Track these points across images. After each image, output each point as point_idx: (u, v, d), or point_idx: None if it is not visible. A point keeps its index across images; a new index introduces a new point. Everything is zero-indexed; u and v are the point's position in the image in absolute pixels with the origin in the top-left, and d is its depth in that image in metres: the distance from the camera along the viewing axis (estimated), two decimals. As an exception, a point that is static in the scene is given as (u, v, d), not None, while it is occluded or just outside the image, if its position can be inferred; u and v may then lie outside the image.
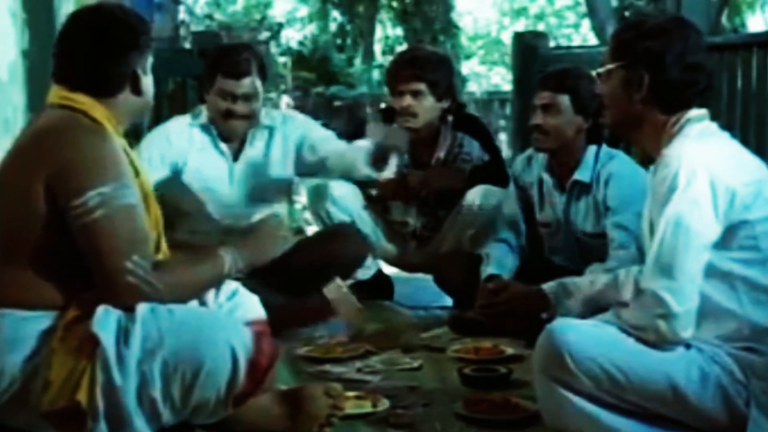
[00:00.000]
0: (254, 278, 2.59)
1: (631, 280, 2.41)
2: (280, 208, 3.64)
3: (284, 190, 3.70)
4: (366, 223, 3.89)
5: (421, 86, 3.70)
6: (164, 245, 2.24)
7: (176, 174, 3.48)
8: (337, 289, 3.36)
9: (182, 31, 10.62)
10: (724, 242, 2.08)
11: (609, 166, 3.28)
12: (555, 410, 2.15)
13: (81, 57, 2.15)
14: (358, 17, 15.62)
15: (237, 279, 2.37)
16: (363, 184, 3.83)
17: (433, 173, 3.79)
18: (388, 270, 4.16)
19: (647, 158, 2.35)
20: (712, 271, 2.08)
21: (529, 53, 5.13)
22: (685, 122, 2.19)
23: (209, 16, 14.27)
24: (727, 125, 3.97)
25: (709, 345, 2.11)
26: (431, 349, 3.19)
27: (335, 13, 15.72)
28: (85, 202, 2.00)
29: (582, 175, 3.31)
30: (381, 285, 3.98)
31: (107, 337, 1.97)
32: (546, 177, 3.43)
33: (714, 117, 2.29)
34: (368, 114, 10.73)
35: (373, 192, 3.89)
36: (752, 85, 4.35)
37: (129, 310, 2.02)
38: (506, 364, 2.90)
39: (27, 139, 2.14)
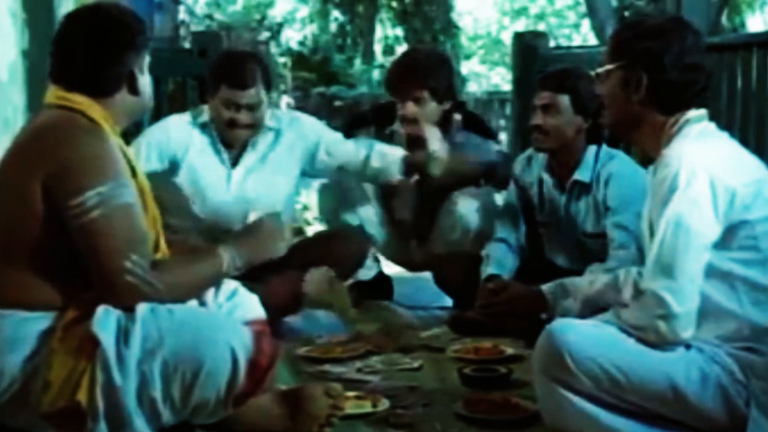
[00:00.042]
0: (250, 279, 2.59)
1: (631, 281, 2.42)
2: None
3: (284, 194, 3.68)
4: (372, 223, 3.88)
5: (423, 93, 3.69)
6: (163, 244, 2.24)
7: (167, 170, 3.45)
8: (320, 275, 3.35)
9: (182, 31, 10.63)
10: (724, 242, 2.09)
11: (609, 166, 3.28)
12: (555, 410, 2.15)
13: (78, 57, 2.15)
14: (358, 17, 15.64)
15: (235, 278, 2.37)
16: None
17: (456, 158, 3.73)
18: (389, 270, 4.16)
19: (647, 158, 2.35)
20: (712, 272, 2.09)
21: (529, 53, 5.13)
22: (685, 122, 2.19)
23: (209, 16, 14.27)
24: (727, 125, 3.98)
25: (709, 345, 2.11)
26: (431, 349, 3.19)
27: (335, 13, 15.73)
28: (83, 201, 2.00)
29: (582, 175, 3.31)
30: (381, 285, 3.98)
31: (107, 338, 1.97)
32: (546, 177, 3.43)
33: (714, 117, 2.29)
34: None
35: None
36: (752, 85, 4.35)
37: (129, 310, 2.02)
38: (506, 364, 2.90)
39: (25, 139, 2.14)
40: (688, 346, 2.10)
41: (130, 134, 4.21)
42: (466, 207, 3.70)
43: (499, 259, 3.44)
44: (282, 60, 13.32)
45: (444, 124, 3.76)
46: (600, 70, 2.31)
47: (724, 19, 12.81)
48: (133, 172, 2.15)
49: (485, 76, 20.15)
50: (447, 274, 3.82)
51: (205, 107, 3.53)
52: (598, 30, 11.61)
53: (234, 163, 3.51)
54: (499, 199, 3.73)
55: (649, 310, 2.08)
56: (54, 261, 2.06)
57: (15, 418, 2.04)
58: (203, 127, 3.49)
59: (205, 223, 3.47)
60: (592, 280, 2.60)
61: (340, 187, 3.81)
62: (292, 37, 15.64)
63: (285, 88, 12.31)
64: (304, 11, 16.66)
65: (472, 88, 16.45)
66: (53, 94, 2.16)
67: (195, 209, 3.47)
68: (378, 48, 16.13)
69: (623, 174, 3.24)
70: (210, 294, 2.28)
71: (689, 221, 2.05)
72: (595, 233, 3.31)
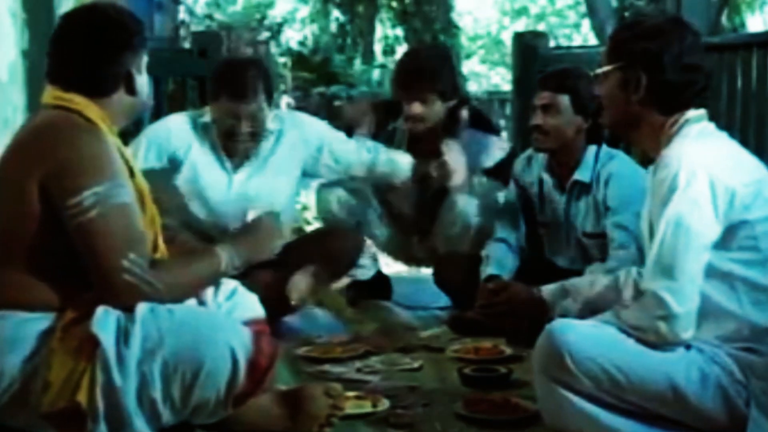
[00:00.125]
0: (248, 277, 2.59)
1: (631, 281, 2.41)
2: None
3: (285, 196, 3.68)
4: (372, 221, 3.88)
5: (429, 94, 3.70)
6: (162, 244, 2.24)
7: (166, 168, 3.43)
8: (303, 279, 3.36)
9: (182, 31, 10.61)
10: (723, 242, 2.09)
11: (609, 166, 3.28)
12: (555, 410, 2.15)
13: (75, 57, 2.15)
14: (358, 17, 15.63)
15: (234, 277, 2.37)
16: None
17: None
18: (388, 270, 4.16)
19: (647, 158, 2.35)
20: (712, 272, 2.09)
21: (529, 53, 5.12)
22: (684, 123, 2.19)
23: (209, 16, 14.26)
24: (727, 125, 3.98)
25: (709, 345, 2.11)
26: (431, 349, 3.19)
27: (336, 13, 15.73)
28: (80, 201, 2.00)
29: (582, 175, 3.31)
30: (380, 285, 3.98)
31: (107, 338, 1.97)
32: (546, 177, 3.43)
33: (714, 117, 2.29)
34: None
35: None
36: (752, 85, 4.35)
37: (128, 310, 2.02)
38: (506, 364, 2.90)
39: (22, 139, 2.14)
40: (688, 347, 2.10)
41: (129, 134, 4.21)
42: (468, 202, 3.70)
43: (499, 259, 3.44)
44: (282, 60, 13.31)
45: (449, 121, 3.77)
46: (599, 70, 2.31)
47: (724, 19, 12.80)
48: (131, 173, 2.15)
49: (485, 76, 20.15)
50: (447, 274, 3.82)
51: (207, 108, 3.50)
52: (598, 30, 11.60)
53: (236, 167, 3.48)
54: (502, 196, 3.72)
55: (649, 311, 2.08)
56: (52, 261, 2.06)
57: (15, 419, 2.04)
58: (204, 129, 3.46)
59: (204, 223, 3.47)
60: (592, 282, 2.60)
61: (339, 187, 3.81)
62: (292, 37, 15.63)
63: (285, 88, 12.30)
64: (304, 11, 16.65)
65: (472, 88, 16.43)
66: (50, 94, 2.16)
67: (194, 209, 3.47)
68: (378, 48, 16.12)
69: (623, 174, 3.24)
70: (209, 293, 2.29)
71: (689, 221, 2.05)
72: (595, 233, 3.31)
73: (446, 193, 3.74)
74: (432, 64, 3.76)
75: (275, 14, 16.27)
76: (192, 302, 2.22)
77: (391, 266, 4.22)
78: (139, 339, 1.99)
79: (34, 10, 3.72)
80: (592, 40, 13.08)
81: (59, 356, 1.98)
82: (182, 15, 11.82)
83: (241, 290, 2.38)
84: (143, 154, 3.36)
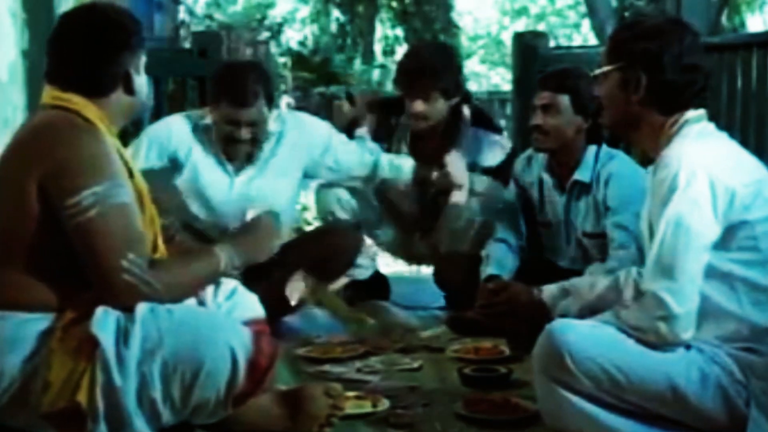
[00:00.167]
0: (249, 277, 2.59)
1: (631, 282, 2.41)
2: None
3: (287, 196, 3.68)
4: (372, 222, 3.88)
5: (432, 92, 3.71)
6: (161, 244, 2.24)
7: (166, 168, 3.42)
8: (300, 281, 3.36)
9: (182, 31, 10.61)
10: (723, 243, 2.08)
11: (609, 166, 3.28)
12: (555, 410, 2.15)
13: (73, 57, 2.15)
14: (358, 17, 15.64)
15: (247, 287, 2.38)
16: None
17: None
18: (386, 270, 4.16)
19: (647, 158, 2.35)
20: (712, 272, 2.09)
21: (529, 53, 5.12)
22: (684, 123, 2.19)
23: (209, 16, 14.26)
24: (727, 125, 3.98)
25: (709, 345, 2.11)
26: (431, 349, 3.19)
27: (336, 13, 15.73)
28: (79, 201, 2.00)
29: (582, 175, 3.31)
30: (378, 285, 3.98)
31: (107, 338, 1.97)
32: (546, 177, 3.43)
33: (714, 117, 2.29)
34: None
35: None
36: (752, 85, 4.35)
37: (128, 310, 2.02)
38: (506, 364, 2.90)
39: (21, 139, 2.14)
40: (688, 347, 2.10)
41: (129, 134, 4.22)
42: (471, 199, 3.70)
43: (499, 259, 3.43)
44: (282, 60, 13.31)
45: (452, 119, 3.78)
46: (599, 71, 2.31)
47: (724, 19, 12.80)
48: (130, 173, 2.15)
49: (485, 76, 20.15)
50: (447, 274, 3.82)
51: (207, 109, 3.49)
52: (598, 30, 11.61)
53: (237, 171, 3.47)
54: (503, 195, 3.72)
55: (649, 312, 2.08)
56: (51, 262, 2.06)
57: (15, 419, 2.04)
58: (205, 131, 3.45)
59: (205, 224, 3.47)
60: (592, 285, 2.58)
61: (339, 187, 3.80)
62: (292, 37, 15.64)
63: (285, 88, 12.30)
64: (304, 11, 16.66)
65: (473, 88, 16.42)
66: (49, 94, 2.16)
67: (195, 210, 3.46)
68: (378, 48, 16.13)
69: (623, 174, 3.24)
70: (209, 293, 2.28)
71: (689, 222, 2.05)
72: (595, 233, 3.31)
73: (448, 191, 3.74)
74: (435, 61, 3.76)
75: (275, 14, 16.28)
76: (192, 302, 2.22)
77: (390, 266, 4.22)
78: (139, 339, 1.99)
79: (34, 10, 3.72)
80: (592, 40, 13.09)
81: (59, 356, 1.98)
82: (182, 15, 11.83)
83: (241, 290, 2.38)
84: (144, 154, 3.36)
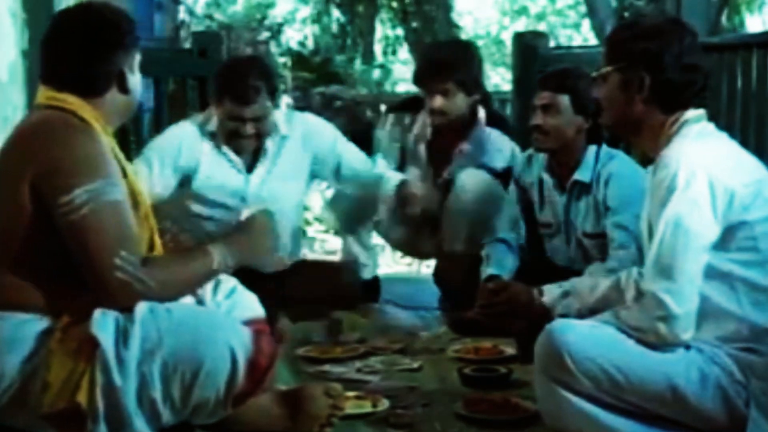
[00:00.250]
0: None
1: (632, 283, 2.41)
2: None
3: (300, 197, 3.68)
4: (383, 221, 3.88)
5: (451, 86, 3.71)
6: (158, 243, 2.23)
7: (181, 180, 3.43)
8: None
9: (182, 31, 10.61)
10: (723, 243, 2.09)
11: (609, 166, 3.28)
12: (555, 410, 2.15)
13: (67, 57, 2.14)
14: (358, 17, 15.62)
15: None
16: None
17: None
18: (387, 270, 4.15)
19: (647, 158, 2.35)
20: (711, 272, 2.09)
21: (529, 53, 5.12)
22: (684, 123, 2.19)
23: (209, 16, 14.24)
24: (727, 125, 3.97)
25: (708, 346, 2.11)
26: (431, 349, 3.19)
27: (336, 13, 15.72)
28: (72, 199, 2.00)
29: (582, 175, 3.31)
30: (372, 286, 3.97)
31: (106, 339, 1.97)
32: (546, 177, 3.43)
33: (714, 117, 2.29)
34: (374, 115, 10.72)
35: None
36: (752, 85, 4.34)
37: (127, 310, 2.02)
38: (506, 364, 2.90)
39: (15, 139, 2.14)
40: (687, 347, 2.10)
41: (129, 133, 4.22)
42: (471, 177, 3.71)
43: (499, 259, 3.43)
44: (282, 60, 13.30)
45: (470, 117, 3.80)
46: (598, 72, 2.31)
47: (724, 19, 12.79)
48: (124, 173, 2.15)
49: (485, 75, 20.08)
50: (447, 274, 3.82)
51: (211, 114, 3.49)
52: (598, 30, 11.60)
53: (249, 169, 3.48)
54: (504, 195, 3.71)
55: (648, 312, 2.08)
56: (46, 264, 2.06)
57: (15, 419, 2.04)
58: (212, 136, 3.45)
59: (221, 225, 3.45)
60: (593, 287, 2.58)
61: (352, 195, 3.80)
62: (292, 37, 15.62)
63: (285, 88, 12.30)
64: (304, 11, 16.64)
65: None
66: (44, 94, 2.16)
67: (210, 212, 3.46)
68: (378, 48, 16.11)
69: (623, 174, 3.24)
70: (208, 292, 2.28)
71: (688, 222, 2.05)
72: (595, 233, 3.30)
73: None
74: (453, 56, 3.77)
75: (275, 14, 16.25)
76: (190, 300, 2.22)
77: (391, 266, 4.22)
78: (139, 339, 1.99)
79: (34, 10, 3.72)
80: (592, 40, 13.07)
81: (58, 357, 1.98)
82: (182, 15, 11.81)
83: (240, 289, 2.38)
84: (158, 170, 3.35)
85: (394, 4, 16.02)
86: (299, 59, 13.52)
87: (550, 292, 2.71)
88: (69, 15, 2.23)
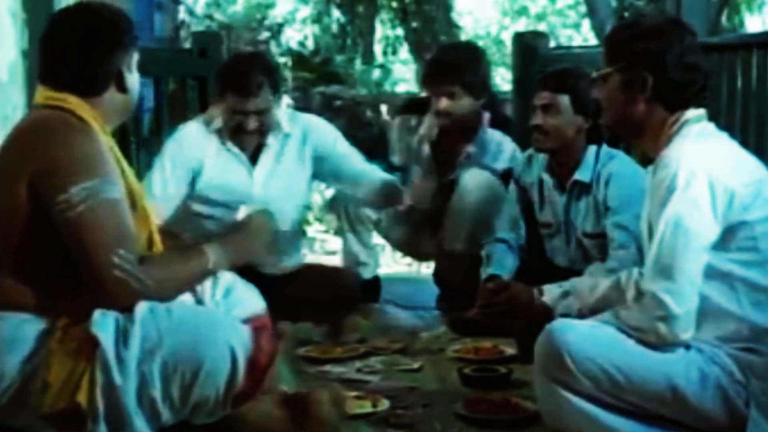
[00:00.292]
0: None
1: (632, 283, 2.41)
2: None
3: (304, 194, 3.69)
4: (384, 222, 3.89)
5: (457, 88, 3.72)
6: (158, 241, 2.23)
7: (192, 181, 3.44)
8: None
9: (182, 31, 10.61)
10: (723, 243, 2.09)
11: (609, 166, 3.28)
12: (555, 410, 2.15)
13: (66, 56, 2.14)
14: (358, 17, 15.62)
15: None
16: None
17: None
18: (386, 270, 4.15)
19: (647, 158, 2.35)
20: (711, 272, 2.09)
21: (529, 53, 5.11)
22: (684, 123, 2.19)
23: (209, 16, 14.24)
24: (727, 125, 3.96)
25: (708, 346, 2.11)
26: (431, 349, 3.19)
27: (336, 13, 15.71)
28: (69, 197, 1.99)
29: (582, 175, 3.31)
30: (372, 286, 3.97)
31: (106, 339, 1.97)
32: (546, 177, 3.43)
33: (714, 117, 2.29)
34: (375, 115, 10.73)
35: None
36: (752, 85, 4.33)
37: (127, 310, 2.02)
38: (506, 364, 2.90)
39: (14, 139, 2.13)
40: (687, 347, 2.10)
41: (129, 133, 4.22)
42: (475, 177, 3.72)
43: (499, 259, 3.44)
44: (282, 60, 13.30)
45: (475, 119, 3.81)
46: (598, 73, 2.30)
47: (724, 19, 12.79)
48: (123, 172, 2.15)
49: (491, 78, 20.05)
50: (447, 273, 3.82)
51: (215, 113, 3.49)
52: (598, 30, 11.59)
53: (252, 161, 3.49)
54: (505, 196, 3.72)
55: (648, 312, 2.08)
56: (44, 264, 2.05)
57: (15, 419, 2.04)
58: (217, 134, 3.46)
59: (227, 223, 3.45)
60: (593, 288, 2.58)
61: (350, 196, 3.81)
62: (292, 37, 15.62)
63: (285, 88, 12.31)
64: (304, 11, 16.64)
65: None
66: (42, 94, 2.16)
67: (212, 210, 3.46)
68: (378, 48, 16.11)
69: (623, 174, 3.24)
70: (207, 291, 2.28)
71: (688, 222, 2.05)
72: (595, 233, 3.31)
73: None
74: (460, 59, 3.79)
75: (275, 14, 16.25)
76: (189, 299, 2.22)
77: (391, 266, 4.22)
78: (139, 339, 1.98)
79: (34, 10, 3.72)
80: (592, 40, 13.07)
81: (58, 357, 1.98)
82: (182, 15, 11.81)
83: (240, 285, 2.37)
84: (172, 179, 3.37)
85: (394, 4, 16.01)
86: (299, 59, 13.53)
87: (550, 292, 2.71)
88: (67, 14, 2.23)
